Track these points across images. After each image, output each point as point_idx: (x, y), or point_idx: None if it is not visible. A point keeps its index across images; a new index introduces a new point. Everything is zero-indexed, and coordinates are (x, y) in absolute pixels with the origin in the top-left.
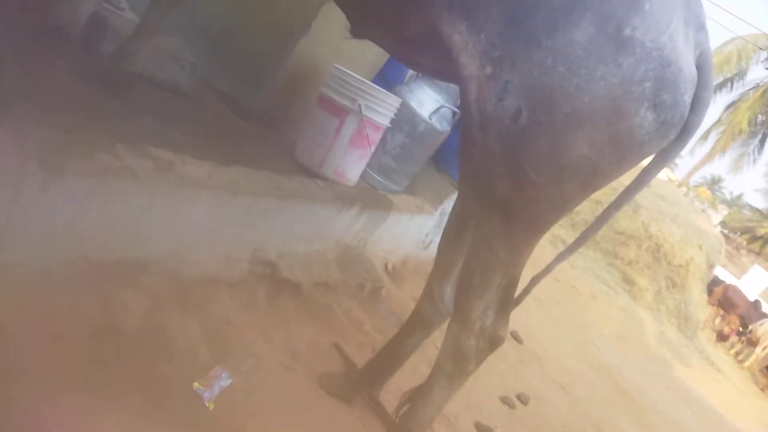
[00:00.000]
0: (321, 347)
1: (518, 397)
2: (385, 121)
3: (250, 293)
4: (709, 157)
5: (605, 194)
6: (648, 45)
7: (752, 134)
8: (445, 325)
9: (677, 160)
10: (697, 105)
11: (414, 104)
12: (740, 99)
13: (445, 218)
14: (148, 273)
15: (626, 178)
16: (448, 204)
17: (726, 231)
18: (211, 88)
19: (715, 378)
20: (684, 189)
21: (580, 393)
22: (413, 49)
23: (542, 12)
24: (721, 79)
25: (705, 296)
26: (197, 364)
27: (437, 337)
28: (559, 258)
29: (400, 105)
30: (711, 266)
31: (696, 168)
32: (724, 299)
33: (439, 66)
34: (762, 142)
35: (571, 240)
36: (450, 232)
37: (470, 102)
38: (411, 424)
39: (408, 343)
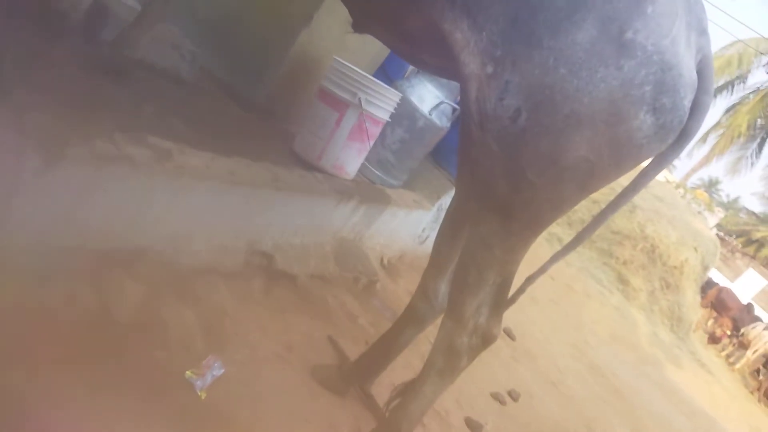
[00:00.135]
0: (315, 339)
1: (509, 393)
2: (384, 116)
3: (246, 284)
4: (707, 159)
5: (603, 194)
6: (649, 48)
7: (751, 138)
8: (438, 321)
9: (675, 162)
10: (697, 110)
11: (414, 99)
12: (740, 102)
13: (442, 214)
14: (144, 261)
15: (624, 179)
16: (446, 199)
17: (722, 234)
18: (212, 77)
19: (705, 380)
20: (681, 191)
21: (571, 391)
22: (414, 46)
23: (545, 12)
24: (721, 81)
25: (698, 298)
26: (191, 353)
27: (431, 333)
28: (554, 258)
29: (400, 100)
30: (705, 268)
31: (694, 170)
32: (718, 302)
33: (440, 63)
34: (760, 146)
35: (567, 238)
36: (446, 229)
37: (470, 100)
38: (401, 418)
39: (401, 337)
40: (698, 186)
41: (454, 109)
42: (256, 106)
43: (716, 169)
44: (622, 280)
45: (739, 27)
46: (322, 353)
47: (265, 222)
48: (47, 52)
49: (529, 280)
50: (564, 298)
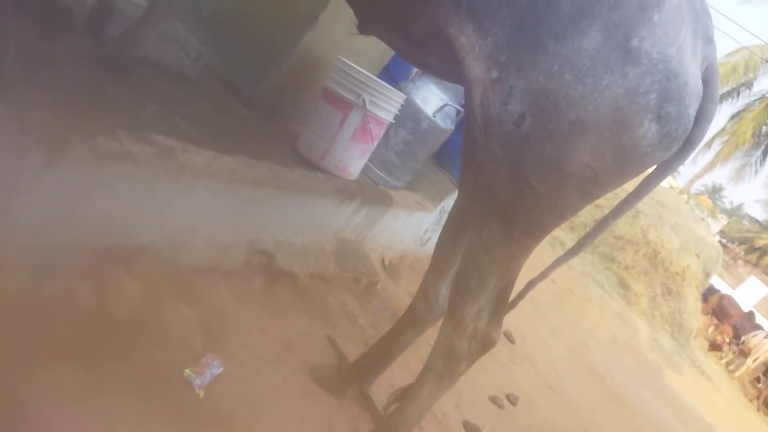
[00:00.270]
0: (315, 339)
1: (508, 397)
2: (388, 117)
3: (246, 283)
4: (712, 165)
5: (606, 199)
6: (655, 56)
7: (755, 145)
8: (439, 323)
9: (679, 168)
10: (702, 118)
11: (419, 101)
12: (745, 109)
13: (445, 216)
14: (144, 259)
15: (629, 185)
16: (448, 202)
17: (724, 240)
18: (216, 75)
19: (705, 387)
20: (685, 197)
21: (570, 395)
22: (419, 49)
23: (551, 18)
24: (727, 88)
25: (700, 305)
26: (190, 352)
27: (430, 335)
28: (556, 263)
29: (404, 101)
30: (707, 275)
31: (698, 176)
32: (719, 309)
33: (445, 67)
34: (765, 154)
35: (570, 242)
36: (448, 232)
37: (474, 105)
38: (399, 421)
39: (401, 339)
40: (702, 192)
41: (458, 112)
42: (260, 105)
43: (720, 175)
44: (624, 285)
45: (745, 34)
46: (321, 353)
47: (266, 221)
48: (51, 48)
49: (531, 284)
50: (565, 302)
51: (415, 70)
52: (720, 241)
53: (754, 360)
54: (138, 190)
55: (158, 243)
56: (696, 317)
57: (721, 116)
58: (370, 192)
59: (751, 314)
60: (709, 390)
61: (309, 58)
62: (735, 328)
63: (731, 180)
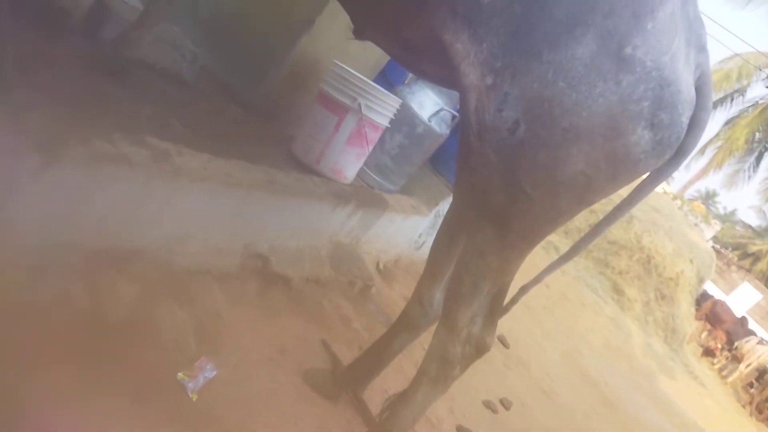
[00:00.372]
0: (309, 343)
1: (501, 401)
2: (384, 121)
3: (240, 286)
4: (705, 171)
5: (600, 204)
6: (648, 64)
7: (749, 151)
8: (433, 328)
9: (673, 174)
10: (695, 126)
11: (414, 105)
12: (739, 115)
13: (440, 220)
14: (139, 261)
15: (623, 191)
16: (443, 206)
17: (718, 246)
18: (212, 78)
19: (698, 392)
20: (678, 202)
21: (563, 400)
22: (415, 55)
23: (545, 26)
24: (721, 94)
25: (693, 310)
26: (184, 355)
27: (425, 339)
28: (550, 268)
29: (400, 106)
30: (701, 280)
31: (691, 182)
32: (712, 314)
33: (440, 72)
34: (758, 160)
35: (564, 247)
36: (442, 237)
37: (469, 111)
38: (393, 425)
39: (395, 343)
40: (696, 198)
41: (454, 116)
42: (256, 108)
43: (714, 181)
44: (617, 290)
45: (738, 42)
46: (316, 357)
47: (261, 224)
48: (48, 50)
49: (524, 289)
50: (558, 307)
51: (411, 74)
52: (713, 247)
53: (747, 365)
54: (134, 192)
55: (153, 245)
56: (689, 323)
57: (714, 122)
58: (365, 196)
59: (744, 320)
60: (702, 395)
61: (305, 61)
62: (728, 333)
63: (725, 186)
